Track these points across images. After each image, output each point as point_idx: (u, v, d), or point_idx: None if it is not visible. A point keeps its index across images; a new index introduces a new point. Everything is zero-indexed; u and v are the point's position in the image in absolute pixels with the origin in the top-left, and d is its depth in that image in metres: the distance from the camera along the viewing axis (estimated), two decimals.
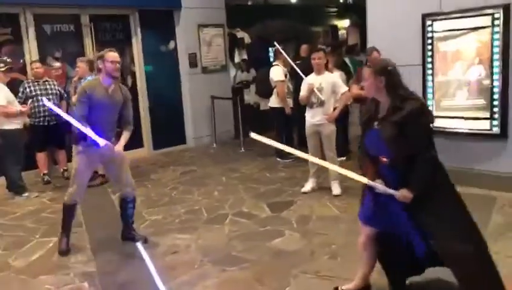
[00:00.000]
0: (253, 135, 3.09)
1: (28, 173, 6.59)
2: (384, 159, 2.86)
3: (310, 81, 5.40)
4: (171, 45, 8.61)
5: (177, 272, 3.78)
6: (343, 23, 13.41)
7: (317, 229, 4.51)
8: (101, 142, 3.85)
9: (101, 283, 3.70)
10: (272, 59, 9.82)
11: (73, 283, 3.72)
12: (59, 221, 4.40)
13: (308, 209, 5.07)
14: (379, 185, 2.88)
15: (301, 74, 5.68)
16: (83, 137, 3.99)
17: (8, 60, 6.29)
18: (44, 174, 6.65)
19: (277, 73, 6.98)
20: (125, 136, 4.22)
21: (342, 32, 13.15)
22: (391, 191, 2.83)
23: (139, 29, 8.13)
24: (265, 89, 7.39)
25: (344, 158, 6.97)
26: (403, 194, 2.78)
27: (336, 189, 5.47)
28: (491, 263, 2.80)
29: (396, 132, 2.74)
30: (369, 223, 3.06)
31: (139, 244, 4.30)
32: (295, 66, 5.98)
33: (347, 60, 8.32)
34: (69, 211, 4.27)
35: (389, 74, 2.84)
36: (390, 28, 5.74)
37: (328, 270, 3.63)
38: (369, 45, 6.03)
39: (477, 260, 2.75)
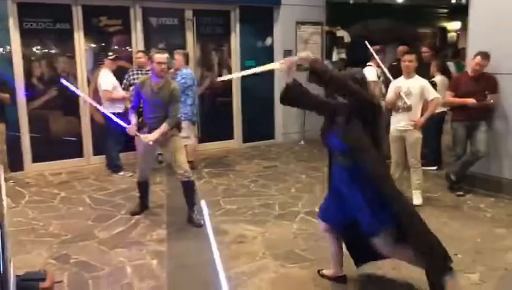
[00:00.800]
0: (219, 79, 3.59)
1: (126, 154, 7.13)
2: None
3: (397, 84, 5.21)
4: (268, 41, 8.76)
5: (239, 261, 3.92)
6: (453, 26, 12.60)
7: None
8: (124, 125, 4.91)
9: (168, 262, 3.95)
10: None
11: (144, 259, 4.01)
12: None
13: None
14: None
15: (389, 76, 5.51)
16: (139, 128, 4.77)
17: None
18: None
19: (369, 73, 6.79)
20: (163, 127, 4.63)
21: (451, 35, 12.37)
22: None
23: (238, 25, 8.38)
24: None
25: (435, 168, 6.64)
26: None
27: (417, 199, 5.24)
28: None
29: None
30: (322, 218, 3.45)
31: (209, 231, 4.55)
32: (383, 68, 5.82)
33: (452, 64, 7.85)
34: (140, 186, 5.11)
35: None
36: (494, 33, 5.34)
37: None
38: (469, 50, 5.67)
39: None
